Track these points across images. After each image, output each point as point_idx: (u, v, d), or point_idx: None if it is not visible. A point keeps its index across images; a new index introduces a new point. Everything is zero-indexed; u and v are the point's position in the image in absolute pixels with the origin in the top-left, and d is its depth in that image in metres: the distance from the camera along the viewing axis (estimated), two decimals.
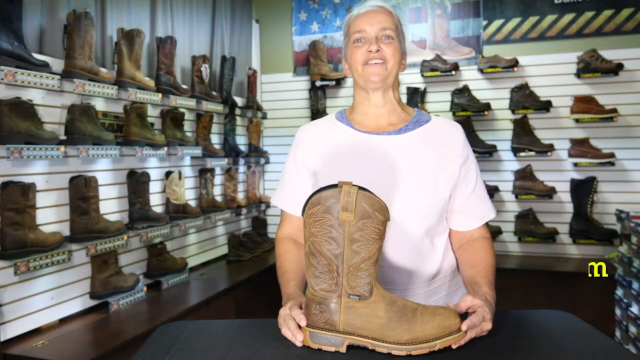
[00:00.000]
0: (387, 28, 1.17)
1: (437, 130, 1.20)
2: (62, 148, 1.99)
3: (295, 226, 1.26)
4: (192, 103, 2.91)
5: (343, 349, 0.88)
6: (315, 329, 0.90)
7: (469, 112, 3.41)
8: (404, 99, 3.53)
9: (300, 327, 0.91)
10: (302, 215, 0.90)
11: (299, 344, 0.91)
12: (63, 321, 2.10)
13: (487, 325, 0.92)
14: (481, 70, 3.45)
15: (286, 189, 1.27)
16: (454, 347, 0.88)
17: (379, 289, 0.89)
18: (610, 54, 3.20)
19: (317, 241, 0.88)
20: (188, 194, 2.99)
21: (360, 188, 0.88)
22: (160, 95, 2.61)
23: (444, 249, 1.21)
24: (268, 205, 3.87)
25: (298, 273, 1.15)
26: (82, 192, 2.13)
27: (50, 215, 2.08)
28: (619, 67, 3.15)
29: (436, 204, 1.15)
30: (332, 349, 0.89)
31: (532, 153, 3.30)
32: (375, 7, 1.20)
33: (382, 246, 0.90)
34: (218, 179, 3.34)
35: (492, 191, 3.37)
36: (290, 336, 0.92)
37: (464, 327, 0.87)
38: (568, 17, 3.37)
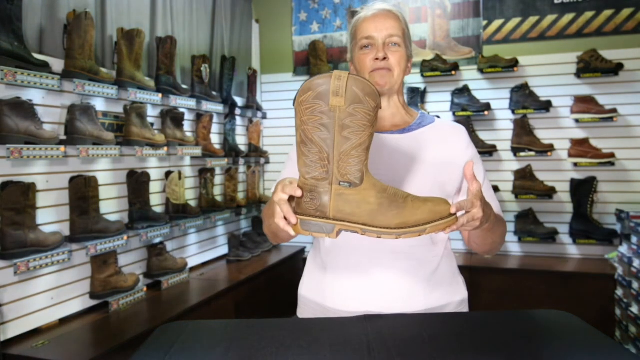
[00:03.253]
0: (394, 35, 1.17)
1: (440, 132, 1.21)
2: (62, 148, 1.99)
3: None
4: (192, 103, 2.91)
5: (334, 236, 0.89)
6: (306, 216, 0.89)
7: (469, 112, 3.41)
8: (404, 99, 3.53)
9: (295, 212, 0.90)
10: (294, 104, 0.89)
11: (292, 232, 0.90)
12: (63, 321, 2.10)
13: (478, 213, 0.91)
14: (481, 70, 3.45)
15: (284, 175, 1.26)
16: (445, 233, 0.88)
17: (370, 177, 0.90)
18: (610, 54, 3.20)
19: (308, 129, 0.87)
20: (188, 194, 2.99)
21: (352, 74, 0.87)
22: (160, 95, 2.61)
23: (444, 247, 1.21)
24: None
25: None
26: (82, 192, 2.13)
27: (50, 215, 2.08)
28: (619, 67, 3.15)
29: None
30: (323, 236, 0.89)
31: (532, 153, 3.30)
32: (383, 11, 1.19)
33: (374, 134, 0.89)
34: (218, 179, 3.34)
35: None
36: (283, 225, 0.90)
37: (453, 209, 0.87)
38: (568, 17, 3.37)
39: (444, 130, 1.21)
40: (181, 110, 2.83)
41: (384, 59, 1.16)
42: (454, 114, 3.46)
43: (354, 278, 1.15)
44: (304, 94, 0.87)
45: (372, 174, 1.12)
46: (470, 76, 3.53)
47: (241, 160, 3.48)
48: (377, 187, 0.88)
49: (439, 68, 3.50)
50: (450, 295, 1.20)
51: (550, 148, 3.27)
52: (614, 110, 3.14)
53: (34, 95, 2.00)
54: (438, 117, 1.31)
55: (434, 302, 1.16)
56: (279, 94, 4.02)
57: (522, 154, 3.33)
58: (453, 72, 3.49)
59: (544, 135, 3.34)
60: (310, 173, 0.89)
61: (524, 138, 3.33)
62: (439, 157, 1.16)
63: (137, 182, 2.47)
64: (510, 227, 3.43)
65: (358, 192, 0.88)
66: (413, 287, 1.15)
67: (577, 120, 3.26)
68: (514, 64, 3.34)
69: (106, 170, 2.38)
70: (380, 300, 1.13)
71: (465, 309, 1.23)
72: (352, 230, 0.88)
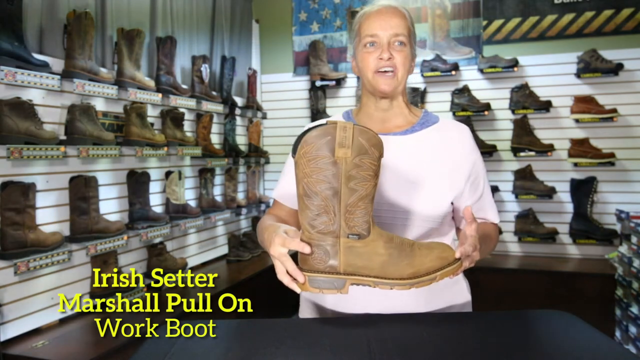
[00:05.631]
0: (399, 34, 1.13)
1: (444, 133, 1.18)
2: (62, 148, 1.99)
3: (284, 211, 1.23)
4: (192, 103, 2.91)
5: (345, 290, 0.87)
6: (313, 273, 0.86)
7: (469, 112, 3.41)
8: None
9: (301, 268, 0.87)
10: (293, 155, 0.87)
11: (297, 290, 0.88)
12: (63, 321, 2.10)
13: (476, 256, 0.94)
14: (481, 70, 3.45)
15: (283, 182, 1.25)
16: (452, 277, 0.89)
17: (376, 228, 0.88)
18: (610, 54, 3.20)
19: (311, 181, 0.85)
20: (188, 194, 2.99)
21: (357, 125, 0.87)
22: (160, 95, 2.61)
23: None
24: (268, 205, 3.87)
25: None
26: (82, 192, 2.13)
27: (50, 215, 2.08)
28: (619, 67, 3.15)
29: (438, 207, 1.13)
30: (334, 292, 0.87)
31: (532, 153, 3.30)
32: (389, 7, 1.16)
33: (378, 184, 0.89)
34: (218, 179, 3.34)
35: (492, 191, 3.36)
36: (288, 281, 0.88)
37: (457, 254, 0.88)
38: (568, 17, 3.37)
39: (449, 133, 1.18)
40: (181, 110, 2.83)
41: (389, 59, 1.13)
42: (454, 114, 3.46)
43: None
44: (306, 145, 0.84)
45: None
46: (470, 76, 3.53)
47: (241, 160, 3.48)
48: (384, 236, 0.87)
49: (439, 68, 3.50)
50: (451, 299, 1.18)
51: (550, 148, 3.27)
52: (614, 110, 3.14)
53: (34, 95, 2.00)
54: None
55: (435, 306, 1.14)
56: (279, 94, 4.02)
57: (522, 154, 3.33)
58: (453, 72, 3.49)
59: (544, 135, 3.34)
60: (315, 227, 0.86)
61: (524, 138, 3.33)
62: (443, 160, 1.14)
63: (137, 182, 2.47)
64: (510, 227, 3.43)
65: (367, 243, 0.86)
66: (414, 290, 1.15)
67: (577, 120, 3.26)
68: (514, 64, 3.34)
69: (106, 170, 2.38)
70: (379, 303, 1.12)
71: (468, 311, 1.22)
72: (363, 284, 0.87)
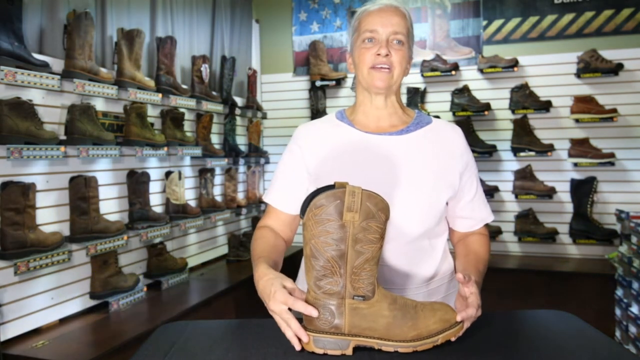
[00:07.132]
0: (399, 32, 1.14)
1: (439, 133, 1.19)
2: (62, 148, 1.99)
3: (280, 220, 1.23)
4: (192, 103, 2.91)
5: (349, 352, 0.87)
6: (318, 333, 0.88)
7: (469, 112, 3.41)
8: (404, 99, 3.53)
9: (305, 327, 0.88)
10: (302, 216, 0.89)
11: (298, 347, 0.88)
12: (63, 321, 2.10)
13: (478, 313, 0.94)
14: (481, 70, 3.45)
15: (277, 185, 1.25)
16: (453, 339, 0.89)
17: (380, 289, 0.89)
18: (610, 54, 3.20)
19: (319, 243, 0.87)
20: (188, 194, 2.99)
21: (365, 190, 0.87)
22: (160, 95, 2.61)
23: (443, 250, 1.21)
24: None
25: (270, 256, 1.10)
26: (82, 192, 2.13)
27: (50, 215, 2.08)
28: (619, 67, 3.15)
29: (435, 207, 1.14)
30: (338, 353, 0.87)
31: (532, 153, 3.30)
32: (390, 7, 1.16)
33: (382, 246, 0.90)
34: (218, 179, 3.34)
35: (492, 191, 3.37)
36: (291, 336, 0.88)
37: (459, 318, 0.89)
38: (568, 17, 3.37)
39: (443, 133, 1.20)
40: (181, 110, 2.83)
41: (386, 55, 1.13)
42: (454, 114, 3.46)
43: None
44: (315, 208, 0.86)
45: (372, 175, 1.12)
46: (470, 76, 3.53)
47: (241, 160, 3.48)
48: (388, 298, 0.89)
49: (439, 68, 3.50)
50: (450, 299, 1.19)
51: (550, 148, 3.27)
52: (614, 110, 3.14)
53: (34, 95, 2.00)
54: (438, 117, 1.30)
55: None
56: (279, 94, 4.03)
57: (522, 154, 3.33)
58: (453, 72, 3.49)
59: (544, 135, 3.34)
60: (321, 287, 0.88)
61: (524, 138, 3.33)
62: (437, 159, 1.15)
63: (137, 182, 2.47)
64: (510, 227, 3.43)
65: (371, 305, 0.88)
66: (413, 291, 1.16)
67: (577, 120, 3.26)
68: (514, 64, 3.34)
69: (106, 170, 2.38)
70: None
71: None
72: (367, 345, 0.88)
